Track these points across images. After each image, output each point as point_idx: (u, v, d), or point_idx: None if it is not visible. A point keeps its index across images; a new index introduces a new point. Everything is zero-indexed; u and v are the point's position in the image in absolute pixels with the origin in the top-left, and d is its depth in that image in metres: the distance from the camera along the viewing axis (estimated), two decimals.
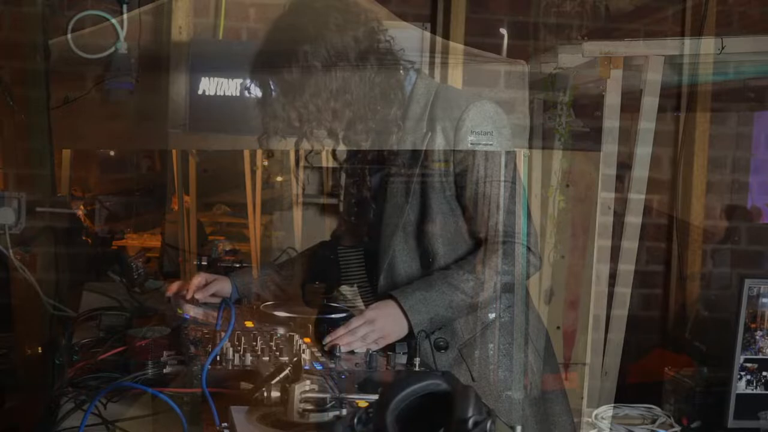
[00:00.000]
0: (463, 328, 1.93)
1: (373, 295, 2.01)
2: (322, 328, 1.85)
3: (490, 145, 1.89)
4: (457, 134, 1.87)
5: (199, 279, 2.17)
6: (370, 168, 2.01)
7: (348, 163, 2.08)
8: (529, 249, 1.89)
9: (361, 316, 1.82)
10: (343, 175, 2.11)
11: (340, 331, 1.79)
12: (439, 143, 1.89)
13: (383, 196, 1.97)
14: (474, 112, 1.87)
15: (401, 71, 1.94)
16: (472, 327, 1.94)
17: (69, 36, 3.08)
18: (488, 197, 1.89)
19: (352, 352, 1.79)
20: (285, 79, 1.88)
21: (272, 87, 1.92)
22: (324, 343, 1.78)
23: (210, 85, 3.02)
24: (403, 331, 1.82)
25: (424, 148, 1.89)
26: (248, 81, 2.03)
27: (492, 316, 1.96)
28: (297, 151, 2.01)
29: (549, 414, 2.01)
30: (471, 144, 1.88)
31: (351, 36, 1.87)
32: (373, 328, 1.80)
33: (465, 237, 1.94)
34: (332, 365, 1.68)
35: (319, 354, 1.76)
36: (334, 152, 2.03)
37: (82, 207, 3.36)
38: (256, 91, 1.96)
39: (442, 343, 1.82)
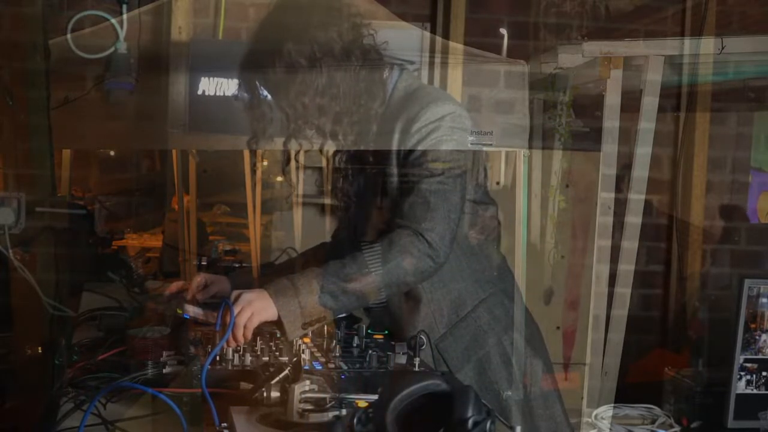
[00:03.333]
0: (438, 323, 1.94)
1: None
2: None
3: (490, 144, 1.90)
4: (409, 130, 1.86)
5: (199, 279, 2.17)
6: (353, 167, 2.02)
7: (332, 163, 2.09)
8: (428, 242, 1.82)
9: (237, 304, 1.76)
10: (329, 176, 2.11)
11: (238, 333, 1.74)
12: (396, 140, 1.89)
13: (367, 195, 1.98)
14: (432, 111, 1.86)
15: (385, 69, 1.94)
16: (446, 321, 1.94)
17: (69, 36, 3.08)
18: (408, 188, 1.87)
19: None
20: (271, 78, 1.88)
21: (259, 87, 1.92)
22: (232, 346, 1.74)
23: (210, 85, 3.02)
24: (272, 312, 1.76)
25: (395, 147, 1.89)
26: (237, 83, 2.03)
27: (471, 305, 1.96)
28: (286, 152, 2.01)
29: (542, 414, 2.01)
30: (471, 144, 1.88)
31: (335, 32, 1.87)
32: (241, 306, 1.74)
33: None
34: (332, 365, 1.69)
35: (319, 354, 1.76)
36: (323, 151, 2.04)
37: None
38: (243, 93, 1.96)
39: (420, 341, 1.81)
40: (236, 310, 1.73)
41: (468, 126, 1.91)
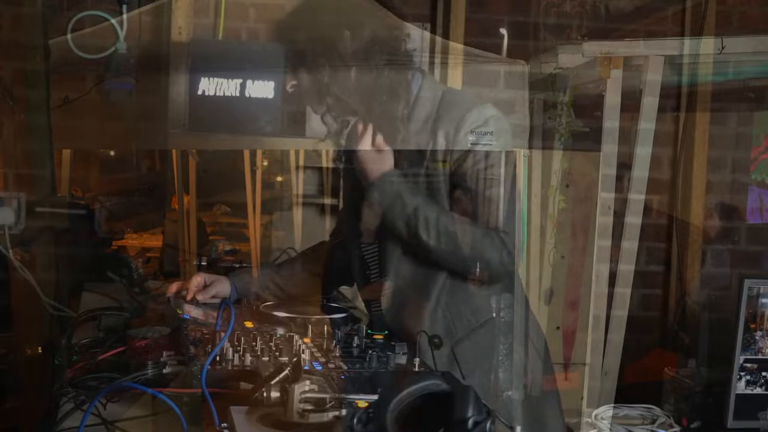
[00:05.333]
0: (458, 326, 1.94)
1: (371, 293, 2.02)
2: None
3: (490, 144, 1.90)
4: (456, 135, 1.88)
5: (198, 279, 2.17)
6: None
7: (348, 163, 2.09)
8: (506, 247, 1.89)
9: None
10: (344, 174, 2.12)
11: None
12: (441, 144, 1.90)
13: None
14: (475, 115, 1.88)
15: (410, 71, 1.95)
16: (465, 325, 1.94)
17: (69, 36, 3.07)
18: (481, 196, 1.89)
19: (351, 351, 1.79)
20: (318, 73, 1.89)
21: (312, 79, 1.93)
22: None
23: (210, 85, 3.02)
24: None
25: (428, 149, 1.90)
26: (289, 76, 2.03)
27: (488, 315, 1.96)
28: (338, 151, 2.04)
29: (540, 415, 2.02)
30: (471, 144, 1.89)
31: (373, 32, 1.89)
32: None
33: None
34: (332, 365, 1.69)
35: (319, 354, 1.76)
36: (335, 151, 2.04)
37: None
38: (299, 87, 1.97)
39: (437, 341, 1.82)
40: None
41: (508, 127, 1.93)
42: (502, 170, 1.92)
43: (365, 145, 1.84)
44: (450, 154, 1.90)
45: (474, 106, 1.90)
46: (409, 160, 1.93)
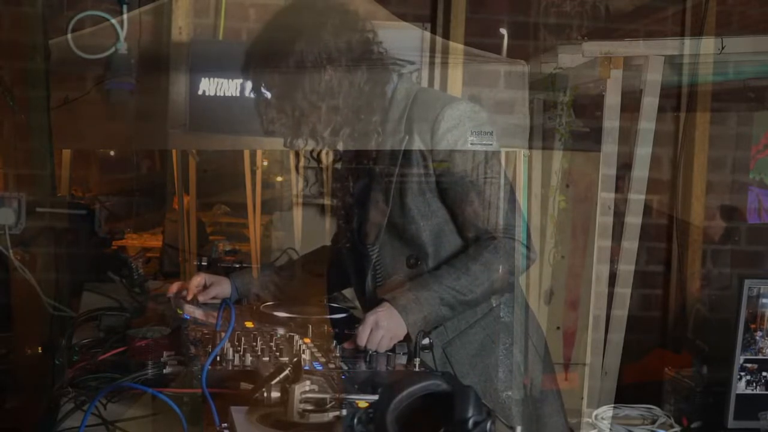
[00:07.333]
0: (448, 327, 1.94)
1: (365, 296, 2.02)
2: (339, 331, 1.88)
3: (490, 145, 1.90)
4: (434, 136, 1.87)
5: (199, 279, 2.17)
6: (354, 171, 2.02)
7: (333, 166, 2.09)
8: (522, 243, 1.90)
9: (366, 323, 1.81)
10: (331, 178, 2.12)
11: (358, 341, 1.80)
12: (417, 145, 1.89)
13: (367, 198, 1.98)
14: (449, 113, 1.87)
15: (385, 76, 1.94)
16: (455, 326, 1.94)
17: (69, 36, 3.08)
18: (474, 195, 1.89)
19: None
20: (276, 77, 1.89)
21: (263, 86, 1.92)
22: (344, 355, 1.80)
23: (210, 85, 3.02)
24: (403, 330, 1.83)
25: (402, 150, 1.90)
26: (243, 80, 2.02)
27: (481, 313, 1.96)
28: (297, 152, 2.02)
29: (540, 414, 2.02)
30: (471, 144, 1.88)
31: (345, 41, 1.87)
32: (381, 333, 1.80)
33: (453, 237, 1.94)
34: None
35: (320, 354, 1.76)
36: (321, 154, 2.04)
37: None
38: (251, 90, 1.98)
39: (426, 342, 1.82)
40: (367, 331, 1.79)
41: (485, 118, 1.92)
42: (501, 169, 1.91)
43: (384, 343, 1.81)
44: (431, 155, 1.89)
45: (447, 104, 1.88)
46: (381, 163, 1.93)
